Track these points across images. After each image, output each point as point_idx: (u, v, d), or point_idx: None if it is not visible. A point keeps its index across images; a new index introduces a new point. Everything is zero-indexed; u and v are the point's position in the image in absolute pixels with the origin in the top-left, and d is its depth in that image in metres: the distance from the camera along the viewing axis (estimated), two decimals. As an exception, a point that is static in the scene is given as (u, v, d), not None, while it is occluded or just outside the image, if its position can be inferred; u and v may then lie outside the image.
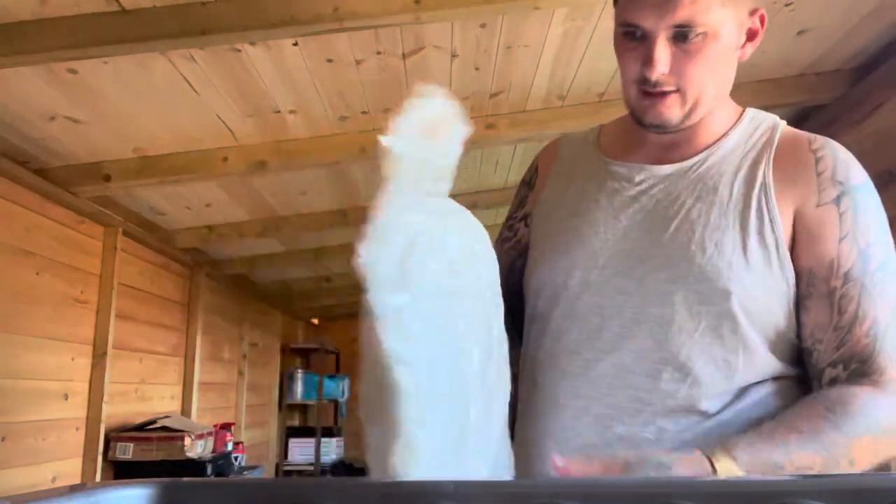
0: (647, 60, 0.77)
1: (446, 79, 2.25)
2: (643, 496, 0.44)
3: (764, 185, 0.80)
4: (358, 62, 2.09)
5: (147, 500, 0.49)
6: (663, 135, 0.85)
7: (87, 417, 2.83)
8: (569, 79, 2.39)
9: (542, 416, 0.85)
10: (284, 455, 5.87)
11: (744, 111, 0.89)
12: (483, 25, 1.98)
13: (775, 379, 0.81)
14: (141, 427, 3.14)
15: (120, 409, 3.11)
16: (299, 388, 6.06)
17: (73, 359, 2.75)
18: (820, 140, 0.83)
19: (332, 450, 6.02)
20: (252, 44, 1.89)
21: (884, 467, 0.73)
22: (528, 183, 1.04)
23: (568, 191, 0.94)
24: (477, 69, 2.23)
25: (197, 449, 3.16)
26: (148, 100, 2.14)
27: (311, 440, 5.90)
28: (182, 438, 3.09)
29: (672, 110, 0.81)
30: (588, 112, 2.59)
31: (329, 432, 6.07)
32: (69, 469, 2.72)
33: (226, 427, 3.75)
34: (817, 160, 0.80)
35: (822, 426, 0.70)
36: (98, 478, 2.84)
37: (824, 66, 2.51)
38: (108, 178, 2.52)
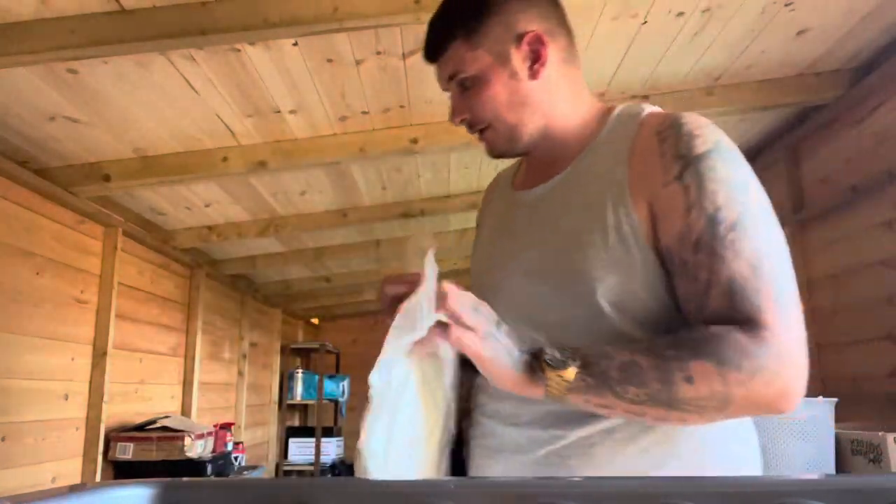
0: (450, 113, 0.94)
1: (446, 79, 2.25)
2: (643, 496, 0.44)
3: (619, 182, 0.83)
4: (358, 62, 2.09)
5: (147, 500, 0.49)
6: (528, 156, 0.96)
7: (87, 417, 2.83)
8: (569, 79, 2.39)
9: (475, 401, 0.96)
10: (284, 455, 5.87)
11: (611, 112, 0.93)
12: (483, 25, 1.98)
13: None
14: (141, 427, 3.14)
15: (120, 409, 3.11)
16: (299, 388, 6.06)
17: (73, 359, 2.75)
18: (669, 119, 0.84)
19: (332, 450, 6.02)
20: (252, 44, 1.89)
21: (742, 403, 0.70)
22: (477, 224, 1.14)
23: (485, 226, 1.05)
24: (477, 69, 2.22)
25: (197, 449, 3.16)
26: (148, 100, 2.14)
27: (311, 440, 5.89)
28: (182, 438, 3.09)
29: (495, 143, 0.93)
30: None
31: (329, 432, 6.07)
32: (69, 469, 2.72)
33: (226, 427, 3.75)
34: (661, 141, 0.82)
35: (662, 341, 0.74)
36: (98, 478, 2.83)
37: (824, 66, 2.51)
38: (108, 178, 2.52)
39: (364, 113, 2.42)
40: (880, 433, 2.07)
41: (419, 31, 1.97)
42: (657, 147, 0.82)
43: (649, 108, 0.90)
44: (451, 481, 0.46)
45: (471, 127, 0.92)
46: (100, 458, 2.85)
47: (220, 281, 4.31)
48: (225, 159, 2.53)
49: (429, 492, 0.45)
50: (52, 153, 2.41)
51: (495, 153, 0.94)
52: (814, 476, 0.54)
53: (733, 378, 0.69)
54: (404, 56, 2.09)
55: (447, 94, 0.96)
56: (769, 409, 0.71)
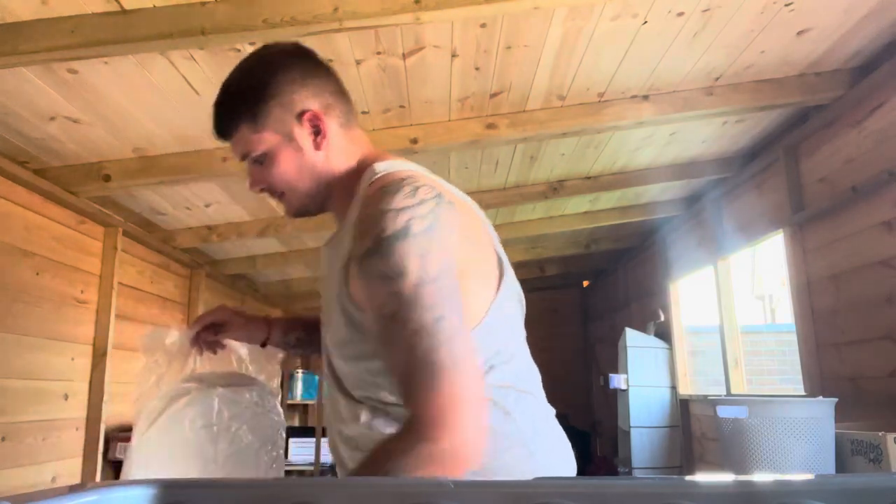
0: (247, 182, 1.04)
1: (446, 79, 2.25)
2: (643, 496, 0.44)
3: (344, 256, 0.92)
4: (358, 62, 2.09)
5: (147, 500, 0.49)
6: (314, 217, 1.06)
7: (87, 417, 2.83)
8: (569, 79, 2.39)
9: None
10: (284, 455, 5.87)
11: (370, 168, 0.99)
12: (483, 25, 1.98)
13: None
14: (141, 427, 3.13)
15: (120, 409, 3.11)
16: (299, 388, 6.05)
17: (73, 359, 2.75)
18: (368, 207, 0.88)
19: (332, 450, 6.01)
20: (252, 44, 1.89)
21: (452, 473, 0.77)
22: None
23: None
24: (477, 69, 2.23)
25: (197, 449, 3.15)
26: (148, 100, 2.14)
27: (311, 440, 5.89)
28: (182, 438, 3.08)
29: (286, 207, 1.04)
30: (588, 112, 2.59)
31: (329, 432, 6.06)
32: (69, 469, 2.72)
33: (226, 427, 3.74)
34: (357, 223, 0.90)
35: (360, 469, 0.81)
36: (98, 478, 2.83)
37: (824, 66, 2.51)
38: (108, 178, 2.52)
39: (364, 113, 2.42)
40: (880, 433, 2.07)
41: (419, 31, 1.97)
42: (356, 233, 0.89)
43: (380, 173, 0.95)
44: (451, 481, 0.46)
45: (269, 195, 1.03)
46: (100, 458, 2.85)
47: (220, 281, 4.31)
48: (225, 159, 2.53)
49: (429, 491, 0.45)
50: (52, 153, 2.41)
51: (293, 215, 1.04)
52: (814, 476, 0.54)
53: (413, 474, 0.75)
54: (404, 56, 2.09)
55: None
56: (461, 471, 0.77)
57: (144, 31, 1.69)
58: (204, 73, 2.02)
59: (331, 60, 2.05)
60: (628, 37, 2.15)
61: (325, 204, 1.03)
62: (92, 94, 2.06)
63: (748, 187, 3.42)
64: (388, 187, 0.88)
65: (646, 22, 2.07)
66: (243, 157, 1.00)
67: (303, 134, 0.97)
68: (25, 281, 2.45)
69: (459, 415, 0.77)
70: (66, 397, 2.69)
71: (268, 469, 1.08)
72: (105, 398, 2.86)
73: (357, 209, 0.93)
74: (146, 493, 0.49)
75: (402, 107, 2.42)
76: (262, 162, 0.99)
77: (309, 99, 0.98)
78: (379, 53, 2.05)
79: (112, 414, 2.97)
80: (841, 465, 2.23)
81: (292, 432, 6.04)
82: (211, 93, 2.16)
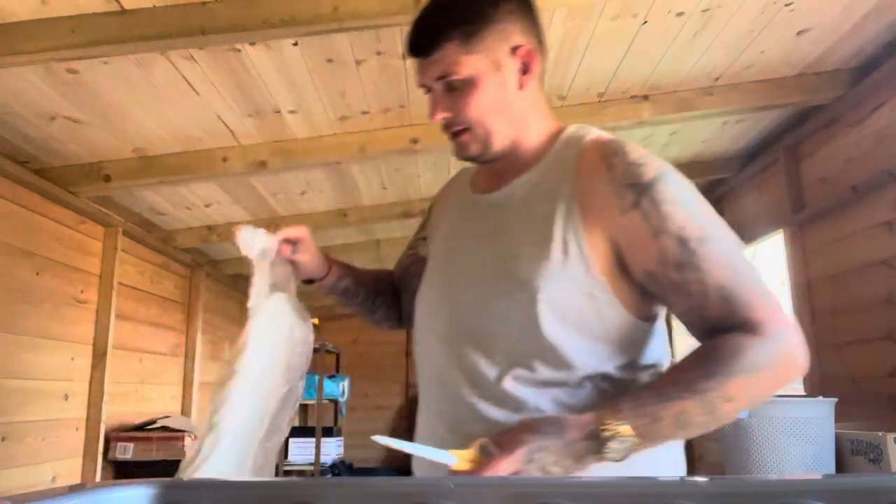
0: (429, 109, 0.96)
1: (446, 79, 2.25)
2: (643, 496, 0.44)
3: (567, 202, 0.88)
4: (358, 62, 2.09)
5: (147, 500, 0.49)
6: (488, 164, 0.98)
7: (87, 417, 2.83)
8: (569, 79, 2.39)
9: (419, 417, 1.01)
10: (284, 455, 5.87)
11: (562, 132, 0.97)
12: (483, 25, 1.98)
13: (606, 378, 0.88)
14: (141, 427, 3.14)
15: (120, 409, 3.11)
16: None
17: (73, 359, 2.75)
18: (613, 147, 0.89)
19: (332, 450, 6.02)
20: (252, 44, 1.89)
21: (773, 390, 0.81)
22: (428, 210, 1.21)
23: (442, 222, 1.09)
24: (477, 69, 2.22)
25: (197, 449, 3.16)
26: (148, 100, 2.14)
27: (311, 440, 5.89)
28: (182, 438, 3.09)
29: (470, 145, 0.94)
30: (588, 112, 2.59)
31: (329, 432, 6.07)
32: (69, 469, 2.72)
33: (226, 427, 3.74)
34: (608, 168, 0.87)
35: (695, 374, 0.78)
36: (98, 478, 2.83)
37: (824, 66, 2.51)
38: (108, 178, 2.52)
39: (364, 113, 2.42)
40: (880, 433, 2.07)
41: (419, 31, 1.97)
42: (605, 174, 0.87)
43: (595, 133, 0.95)
44: (451, 480, 0.46)
45: (448, 127, 0.95)
46: (100, 458, 2.85)
47: (220, 281, 4.31)
48: (225, 159, 2.53)
49: (428, 491, 0.45)
50: (52, 153, 2.41)
51: (467, 156, 0.96)
52: (814, 476, 0.54)
53: (764, 377, 0.79)
54: (404, 56, 2.08)
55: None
56: (791, 381, 0.83)
57: (144, 31, 1.69)
58: (204, 73, 2.02)
59: (331, 60, 2.06)
60: (628, 37, 2.15)
61: (502, 152, 0.95)
62: (92, 94, 2.06)
63: (748, 187, 3.42)
64: (624, 143, 0.89)
65: (646, 22, 2.07)
66: (439, 78, 0.92)
67: (511, 68, 0.92)
68: (25, 281, 2.45)
69: (792, 320, 0.83)
70: (65, 397, 2.70)
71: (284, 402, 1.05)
72: (105, 398, 2.86)
73: (569, 164, 0.90)
74: (146, 493, 0.49)
75: (402, 107, 2.42)
76: (458, 88, 0.91)
77: (525, 35, 0.93)
78: (379, 53, 2.05)
79: (112, 414, 2.97)
80: (841, 465, 2.23)
81: (292, 432, 6.04)
82: (211, 93, 2.17)
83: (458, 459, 0.73)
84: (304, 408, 6.59)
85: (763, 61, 2.40)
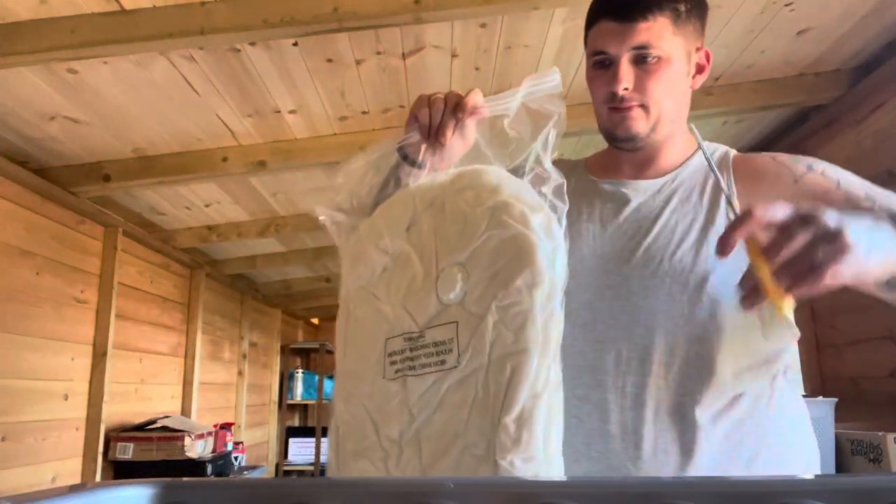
0: (613, 78, 0.91)
1: (446, 79, 2.25)
2: (643, 496, 0.44)
3: (728, 190, 0.92)
4: (358, 62, 2.09)
5: (147, 500, 0.49)
6: (634, 152, 0.99)
7: (87, 417, 2.83)
8: (569, 79, 2.39)
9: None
10: (284, 455, 5.87)
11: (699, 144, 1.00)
12: (483, 25, 1.98)
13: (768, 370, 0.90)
14: (141, 427, 3.14)
15: (120, 409, 3.11)
16: (299, 387, 6.05)
17: (73, 359, 2.75)
18: (769, 153, 0.99)
19: (332, 450, 6.01)
20: (252, 44, 1.89)
21: None
22: None
23: (575, 210, 1.06)
24: (477, 69, 2.23)
25: (197, 449, 3.16)
26: (148, 100, 2.14)
27: (311, 440, 5.89)
28: (182, 438, 3.09)
29: (638, 123, 0.93)
30: (588, 112, 2.56)
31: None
32: (69, 469, 2.72)
33: (226, 427, 3.75)
34: (773, 157, 0.96)
35: None
36: (98, 478, 2.83)
37: (824, 66, 2.51)
38: (108, 178, 2.52)
39: (364, 113, 2.42)
40: (880, 433, 2.07)
41: (419, 31, 1.97)
42: (770, 162, 0.95)
43: (722, 146, 1.04)
44: (451, 480, 0.46)
45: (625, 100, 0.92)
46: (100, 458, 2.85)
47: (220, 281, 4.31)
48: (225, 159, 2.53)
49: (428, 491, 0.45)
50: (52, 153, 2.41)
51: (628, 133, 0.94)
52: (814, 476, 0.54)
53: None
54: (404, 56, 2.09)
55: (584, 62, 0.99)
56: None
57: (144, 31, 1.69)
58: (204, 73, 2.02)
59: (331, 60, 2.06)
60: (628, 37, 2.15)
61: (659, 139, 0.97)
62: (92, 94, 2.06)
63: (748, 187, 3.41)
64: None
65: (646, 22, 2.07)
66: (636, 48, 0.90)
67: (693, 63, 0.96)
68: (25, 281, 2.45)
69: None
70: (66, 397, 2.69)
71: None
72: (105, 398, 2.86)
73: (722, 164, 0.97)
74: (146, 493, 0.49)
75: (402, 107, 2.42)
76: (649, 63, 0.90)
77: (702, 38, 0.98)
78: (379, 53, 2.05)
79: (112, 414, 2.97)
80: (841, 465, 2.23)
81: (292, 432, 6.04)
82: (211, 93, 2.17)
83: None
84: (304, 408, 6.58)
85: (763, 61, 2.40)
